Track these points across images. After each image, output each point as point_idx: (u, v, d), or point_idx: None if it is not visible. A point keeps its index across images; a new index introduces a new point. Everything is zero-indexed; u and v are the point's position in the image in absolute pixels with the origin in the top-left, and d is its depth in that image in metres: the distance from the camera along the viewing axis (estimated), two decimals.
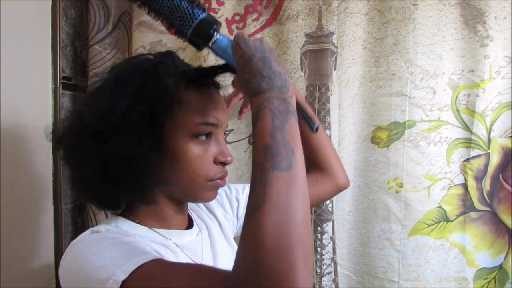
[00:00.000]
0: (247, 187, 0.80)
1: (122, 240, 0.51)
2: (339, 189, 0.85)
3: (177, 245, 0.59)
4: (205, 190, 0.58)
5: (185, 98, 0.55)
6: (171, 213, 0.61)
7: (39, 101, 0.97)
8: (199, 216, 0.71)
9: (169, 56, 0.59)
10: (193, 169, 0.56)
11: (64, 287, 0.50)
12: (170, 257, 0.55)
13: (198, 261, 0.61)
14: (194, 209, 0.72)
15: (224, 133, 0.63)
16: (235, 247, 0.71)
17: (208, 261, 0.63)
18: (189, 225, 0.66)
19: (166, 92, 0.54)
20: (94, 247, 0.50)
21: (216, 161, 0.58)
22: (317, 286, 1.01)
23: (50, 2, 0.99)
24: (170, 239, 0.59)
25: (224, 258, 0.66)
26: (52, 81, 1.00)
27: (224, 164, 0.59)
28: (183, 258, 0.58)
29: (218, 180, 0.59)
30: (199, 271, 0.46)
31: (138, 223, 0.59)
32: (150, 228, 0.59)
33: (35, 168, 0.96)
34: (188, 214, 0.67)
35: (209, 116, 0.57)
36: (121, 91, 0.54)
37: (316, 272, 1.01)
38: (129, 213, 0.60)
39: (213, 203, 0.74)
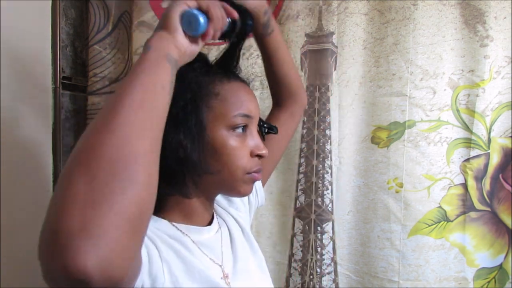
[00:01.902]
0: None
1: None
2: (305, 107, 0.85)
3: (194, 242, 0.59)
4: (243, 183, 0.59)
5: (221, 91, 0.57)
6: (200, 210, 0.61)
7: (39, 101, 0.97)
8: (220, 215, 0.71)
9: (201, 55, 0.62)
10: (232, 160, 0.57)
11: None
12: (183, 253, 0.55)
13: (218, 260, 0.61)
14: (215, 208, 0.73)
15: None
16: (254, 245, 0.72)
17: (227, 262, 0.63)
18: (209, 223, 0.66)
19: (203, 85, 0.57)
20: None
21: (252, 154, 0.59)
22: (317, 286, 1.01)
23: (50, 2, 0.99)
24: (187, 235, 0.59)
25: (243, 259, 0.66)
26: (52, 81, 1.00)
27: (259, 157, 0.60)
28: (199, 255, 0.58)
29: (254, 173, 0.60)
30: None
31: (161, 217, 0.59)
32: (170, 222, 0.59)
33: (35, 168, 0.96)
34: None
35: (244, 108, 0.58)
36: None
37: (316, 272, 1.01)
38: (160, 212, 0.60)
39: (225, 203, 0.74)
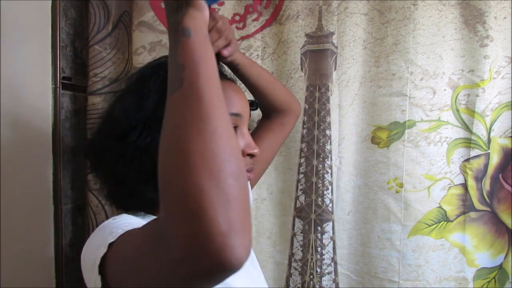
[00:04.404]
0: None
1: (126, 219, 0.52)
2: (298, 117, 0.88)
3: None
4: None
5: None
6: None
7: (39, 101, 0.97)
8: None
9: None
10: None
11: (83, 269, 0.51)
12: None
13: None
14: None
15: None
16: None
17: None
18: None
19: None
20: (102, 229, 0.51)
21: (243, 154, 0.59)
22: (317, 286, 1.01)
23: (50, 2, 0.99)
24: None
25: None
26: (52, 81, 1.00)
27: (251, 156, 0.60)
28: None
29: (246, 172, 0.59)
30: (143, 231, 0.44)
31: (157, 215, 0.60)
32: None
33: (35, 168, 0.96)
34: None
35: (232, 106, 0.58)
36: (148, 87, 0.56)
37: (316, 271, 1.01)
38: (155, 210, 0.61)
39: None
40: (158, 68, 0.59)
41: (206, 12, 0.46)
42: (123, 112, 0.57)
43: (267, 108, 0.81)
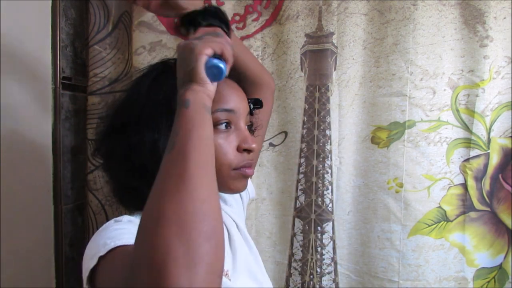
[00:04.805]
0: None
1: (123, 227, 0.53)
2: (273, 91, 0.88)
3: None
4: (231, 179, 0.60)
5: None
6: None
7: (39, 101, 0.97)
8: None
9: None
10: (216, 158, 0.57)
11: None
12: None
13: None
14: None
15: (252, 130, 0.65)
16: (249, 239, 0.72)
17: (227, 261, 0.63)
18: None
19: None
20: (103, 232, 0.52)
21: (239, 149, 0.59)
22: (317, 286, 1.01)
23: (50, 2, 0.99)
24: None
25: (242, 255, 0.67)
26: (52, 81, 1.00)
27: (248, 151, 0.60)
28: None
29: (243, 168, 0.60)
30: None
31: None
32: None
33: (35, 168, 0.96)
34: None
35: (225, 103, 0.58)
36: (140, 85, 0.60)
37: (316, 271, 1.01)
38: None
39: None
40: (152, 68, 0.63)
41: (210, 86, 0.48)
42: (118, 108, 0.61)
43: (241, 83, 0.80)
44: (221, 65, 0.49)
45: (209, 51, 0.48)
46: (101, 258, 0.47)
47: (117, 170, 0.61)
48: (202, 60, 0.47)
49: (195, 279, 0.34)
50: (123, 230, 0.51)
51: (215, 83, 0.50)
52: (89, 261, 0.48)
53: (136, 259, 0.37)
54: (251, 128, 0.71)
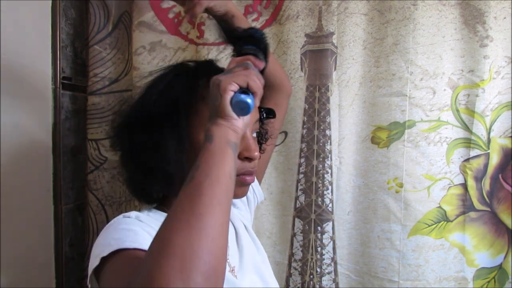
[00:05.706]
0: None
1: (130, 227, 0.54)
2: (289, 96, 0.90)
3: None
4: None
5: (207, 94, 0.58)
6: None
7: (39, 101, 0.97)
8: None
9: (208, 61, 0.66)
10: None
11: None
12: None
13: None
14: None
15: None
16: (257, 242, 0.73)
17: (234, 255, 0.64)
18: None
19: (192, 88, 0.59)
20: (111, 227, 0.54)
21: (241, 157, 0.59)
22: (317, 286, 1.01)
23: (50, 2, 0.99)
24: None
25: (249, 253, 0.67)
26: (52, 81, 1.00)
27: (249, 159, 0.60)
28: None
29: (243, 175, 0.60)
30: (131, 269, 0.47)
31: (165, 211, 0.63)
32: None
33: (35, 168, 0.96)
34: None
35: None
36: (154, 87, 0.62)
37: (316, 271, 1.01)
38: (163, 205, 0.65)
39: None
40: (169, 72, 0.64)
41: (237, 122, 0.48)
42: (131, 107, 0.63)
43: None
44: (248, 99, 0.48)
45: (233, 87, 0.47)
46: (103, 259, 0.48)
47: (126, 164, 0.63)
48: (227, 96, 0.47)
49: None
50: (128, 232, 0.51)
51: (245, 117, 0.50)
52: (93, 260, 0.49)
53: (136, 282, 0.37)
54: (264, 135, 0.71)
